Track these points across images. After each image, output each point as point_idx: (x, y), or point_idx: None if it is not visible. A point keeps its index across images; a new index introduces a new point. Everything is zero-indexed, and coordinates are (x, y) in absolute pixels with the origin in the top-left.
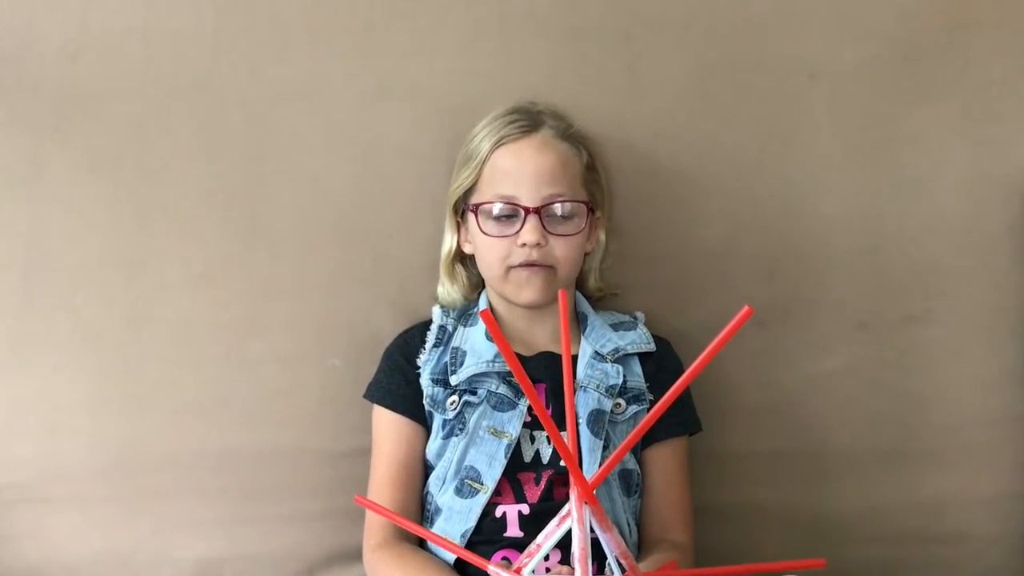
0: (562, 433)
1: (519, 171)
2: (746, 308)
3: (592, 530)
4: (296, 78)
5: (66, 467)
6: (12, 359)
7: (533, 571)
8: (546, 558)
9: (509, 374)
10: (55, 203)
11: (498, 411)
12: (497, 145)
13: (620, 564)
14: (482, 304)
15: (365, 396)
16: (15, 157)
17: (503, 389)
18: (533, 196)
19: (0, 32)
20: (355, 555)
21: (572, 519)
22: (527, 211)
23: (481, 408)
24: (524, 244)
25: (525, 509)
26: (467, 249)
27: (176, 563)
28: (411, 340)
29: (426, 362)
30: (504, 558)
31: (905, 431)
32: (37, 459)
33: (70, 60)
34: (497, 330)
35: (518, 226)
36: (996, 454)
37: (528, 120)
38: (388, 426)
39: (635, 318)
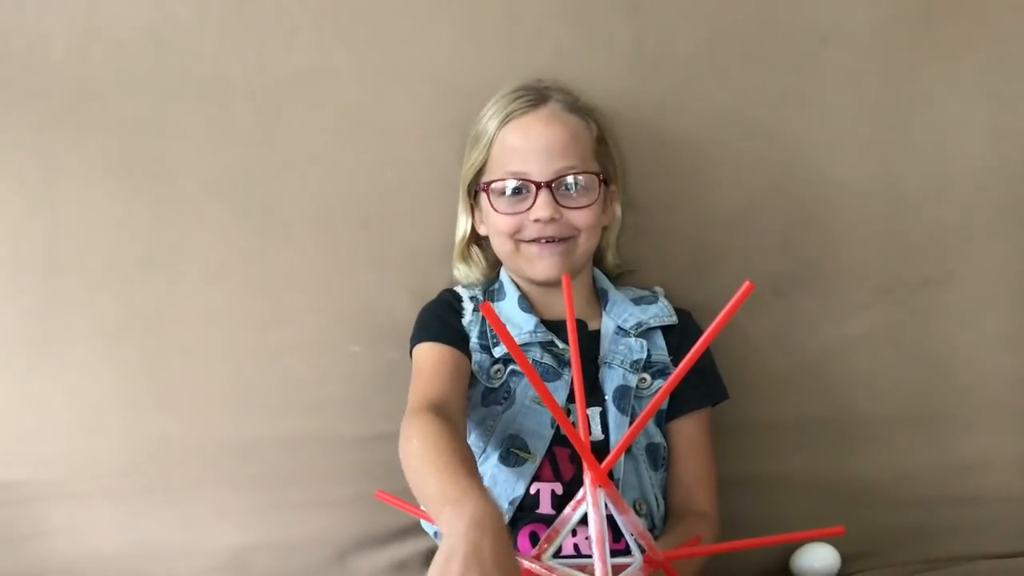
0: (592, 409)
1: (528, 146)
2: (747, 284)
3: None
4: (303, 67)
5: (95, 463)
6: (37, 359)
7: (554, 556)
8: (573, 533)
9: (551, 343)
10: (70, 203)
11: (543, 381)
12: (505, 122)
13: (640, 545)
14: (503, 280)
15: (411, 347)
16: (29, 158)
17: (547, 359)
18: (544, 170)
19: (9, 32)
20: (384, 539)
21: (587, 503)
22: (538, 186)
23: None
24: (537, 219)
25: (559, 489)
26: (482, 231)
27: (209, 552)
28: (451, 301)
29: (471, 323)
30: (532, 532)
31: (929, 394)
32: (66, 456)
33: (79, 59)
34: (500, 325)
35: (530, 202)
36: (1021, 414)
37: (534, 95)
38: (431, 350)
39: (655, 293)
